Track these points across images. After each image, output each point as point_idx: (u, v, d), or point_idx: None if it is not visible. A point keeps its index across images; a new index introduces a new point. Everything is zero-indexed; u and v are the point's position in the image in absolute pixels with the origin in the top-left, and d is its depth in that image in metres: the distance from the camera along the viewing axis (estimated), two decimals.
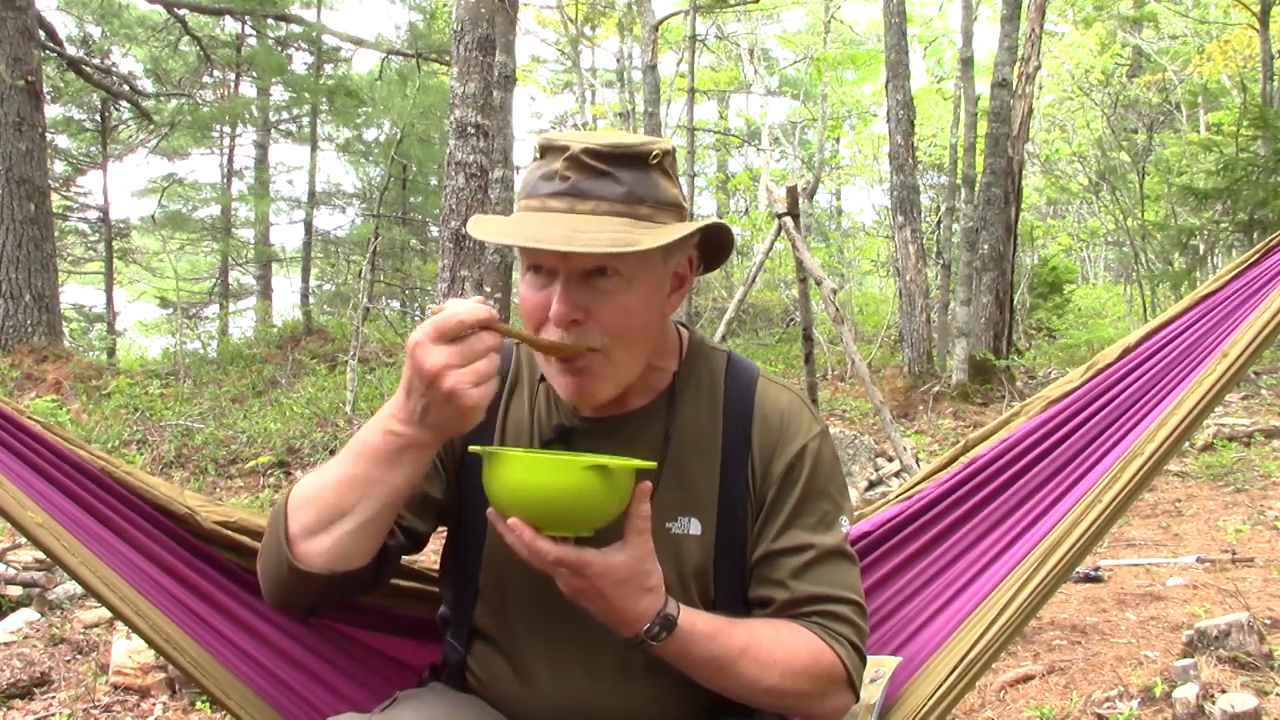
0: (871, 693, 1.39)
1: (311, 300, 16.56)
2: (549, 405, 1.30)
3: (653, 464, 1.10)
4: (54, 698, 3.21)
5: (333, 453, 7.25)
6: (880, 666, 1.43)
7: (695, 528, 1.24)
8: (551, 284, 1.14)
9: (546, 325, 1.15)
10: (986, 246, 9.54)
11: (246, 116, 17.20)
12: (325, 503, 1.11)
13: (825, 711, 1.23)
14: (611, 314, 1.15)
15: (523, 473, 1.05)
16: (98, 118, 14.78)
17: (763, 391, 1.30)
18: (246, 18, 14.69)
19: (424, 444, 1.07)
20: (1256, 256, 1.63)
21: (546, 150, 1.17)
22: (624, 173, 1.14)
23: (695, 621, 1.14)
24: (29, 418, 1.40)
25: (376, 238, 11.06)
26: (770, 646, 1.17)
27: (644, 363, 1.22)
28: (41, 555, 4.10)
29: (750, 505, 1.26)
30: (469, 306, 1.03)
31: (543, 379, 1.30)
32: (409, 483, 1.11)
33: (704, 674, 1.17)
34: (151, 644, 1.30)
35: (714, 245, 1.28)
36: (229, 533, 1.45)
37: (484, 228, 1.18)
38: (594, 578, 1.07)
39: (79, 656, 3.55)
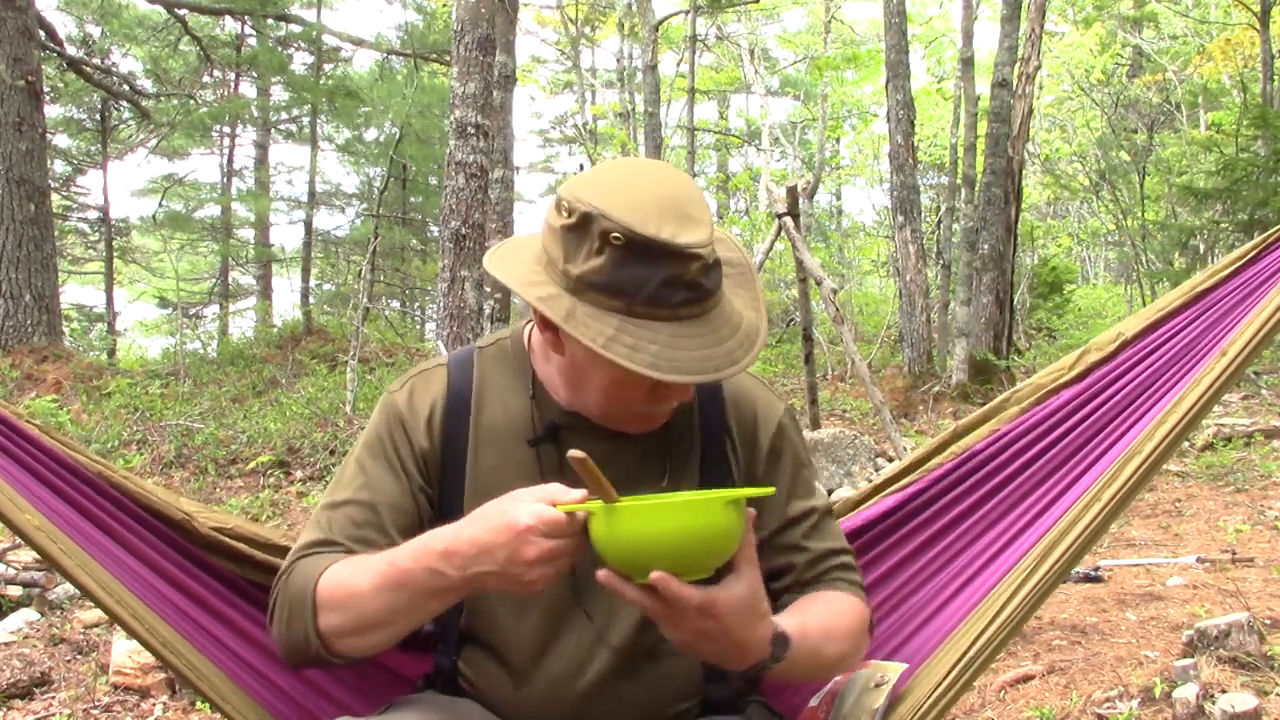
0: (875, 698, 1.38)
1: (311, 300, 16.58)
2: (535, 403, 1.29)
3: (770, 490, 1.14)
4: (54, 698, 3.21)
5: (332, 453, 7.26)
6: (885, 672, 1.42)
7: None
8: None
9: (642, 402, 1.19)
10: (986, 246, 9.53)
11: (246, 116, 17.21)
12: (361, 616, 1.13)
13: (852, 663, 1.28)
14: None
15: (660, 521, 1.01)
16: (98, 118, 14.79)
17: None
18: (246, 18, 14.68)
19: (463, 591, 1.09)
20: (1255, 253, 1.62)
21: (653, 252, 1.06)
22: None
23: (791, 625, 1.16)
24: (27, 421, 1.40)
25: (376, 238, 11.07)
26: (835, 620, 1.23)
27: None
28: None
29: (735, 473, 1.31)
30: (569, 501, 1.03)
31: (534, 380, 1.30)
32: (443, 609, 1.14)
33: (799, 671, 1.19)
34: (148, 647, 1.30)
35: None
36: (226, 539, 1.45)
37: (653, 363, 1.07)
38: (721, 615, 1.04)
39: (79, 656, 3.55)
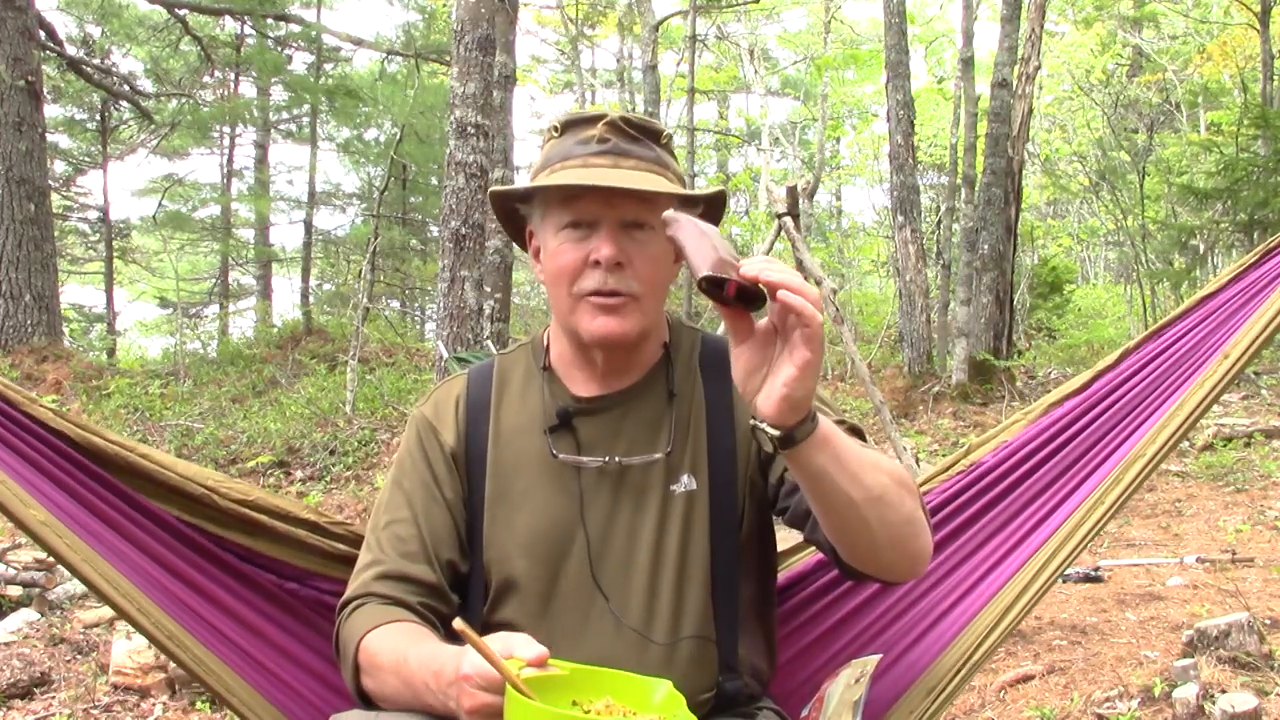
0: (855, 691, 1.39)
1: (311, 300, 16.57)
2: (548, 394, 1.35)
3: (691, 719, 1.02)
4: (54, 698, 3.22)
5: (332, 453, 7.27)
6: (865, 666, 1.44)
7: (692, 483, 1.33)
8: (591, 236, 1.25)
9: (586, 272, 1.25)
10: (986, 246, 9.53)
11: (246, 116, 17.19)
12: (382, 689, 1.18)
13: (922, 546, 1.19)
14: (645, 262, 1.27)
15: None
16: (98, 118, 14.79)
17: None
18: (246, 18, 14.69)
19: (450, 715, 1.09)
20: (1256, 259, 1.63)
21: (574, 124, 1.30)
22: (650, 142, 1.30)
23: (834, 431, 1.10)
24: (41, 406, 1.40)
25: (376, 238, 11.06)
26: (875, 457, 1.14)
27: (659, 316, 1.35)
28: (42, 555, 4.10)
29: (740, 459, 1.33)
30: (532, 654, 0.99)
31: (546, 368, 1.36)
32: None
33: (839, 473, 1.08)
34: (154, 641, 1.31)
35: (714, 216, 1.37)
36: (247, 511, 1.45)
37: (549, 178, 1.26)
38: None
39: (79, 656, 3.56)
